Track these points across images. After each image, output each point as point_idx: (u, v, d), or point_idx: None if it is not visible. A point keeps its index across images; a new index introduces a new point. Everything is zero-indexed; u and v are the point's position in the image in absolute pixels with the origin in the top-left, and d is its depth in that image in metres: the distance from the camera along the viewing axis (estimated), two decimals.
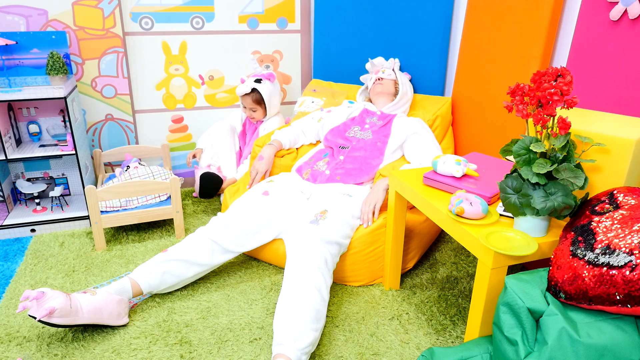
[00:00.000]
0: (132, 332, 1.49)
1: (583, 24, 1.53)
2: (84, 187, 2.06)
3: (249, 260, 1.91)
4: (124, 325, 1.52)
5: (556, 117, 1.09)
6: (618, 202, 1.04)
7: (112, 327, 1.50)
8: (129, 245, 2.02)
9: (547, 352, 0.94)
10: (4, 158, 1.98)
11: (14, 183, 2.28)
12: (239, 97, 2.47)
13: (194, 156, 2.46)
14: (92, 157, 2.41)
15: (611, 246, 0.94)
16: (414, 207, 1.87)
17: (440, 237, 2.12)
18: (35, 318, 1.31)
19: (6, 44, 2.03)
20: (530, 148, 1.11)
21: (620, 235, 0.94)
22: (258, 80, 2.37)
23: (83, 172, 2.10)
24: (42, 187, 2.25)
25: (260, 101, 2.39)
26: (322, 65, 2.56)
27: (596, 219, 1.03)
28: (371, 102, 2.22)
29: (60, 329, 1.49)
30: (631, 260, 0.88)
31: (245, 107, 2.44)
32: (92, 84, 2.32)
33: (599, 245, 0.96)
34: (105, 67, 2.31)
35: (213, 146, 2.43)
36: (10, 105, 2.13)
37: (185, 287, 1.71)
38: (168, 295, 1.67)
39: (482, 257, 1.13)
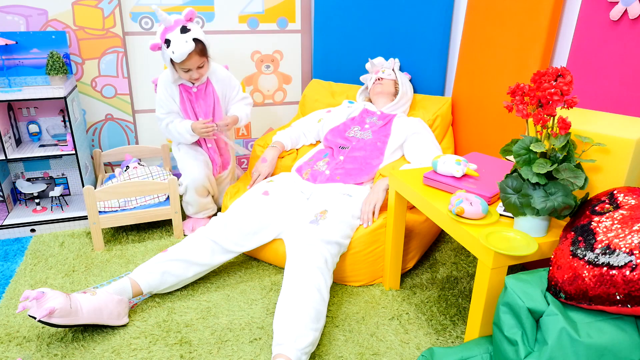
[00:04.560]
0: (132, 332, 1.49)
1: (583, 24, 1.53)
2: (83, 187, 2.06)
3: (249, 260, 1.91)
4: (124, 325, 1.52)
5: (556, 117, 1.09)
6: (618, 202, 1.04)
7: (112, 327, 1.50)
8: (129, 246, 2.02)
9: (547, 352, 0.94)
10: (4, 158, 1.98)
11: (13, 183, 2.28)
12: (173, 65, 1.92)
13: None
14: (92, 157, 2.41)
15: (611, 246, 0.94)
16: (414, 207, 1.87)
17: (440, 237, 2.12)
18: (35, 318, 1.31)
19: (6, 44, 2.03)
20: (530, 148, 1.11)
21: (621, 235, 0.94)
22: (184, 30, 1.83)
23: (83, 172, 2.10)
24: (42, 187, 2.25)
25: (204, 51, 1.91)
26: (322, 65, 2.56)
27: (596, 219, 1.03)
28: (371, 102, 2.22)
29: (60, 329, 1.49)
30: (631, 260, 0.88)
31: (187, 71, 1.91)
32: (92, 84, 2.32)
33: (599, 245, 0.96)
34: (105, 67, 2.31)
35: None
36: (10, 105, 2.13)
37: (185, 287, 1.71)
38: (168, 295, 1.67)
39: (482, 257, 1.13)
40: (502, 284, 1.14)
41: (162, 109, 2.06)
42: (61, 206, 2.24)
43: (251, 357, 1.40)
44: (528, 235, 1.15)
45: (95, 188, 2.21)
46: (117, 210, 2.05)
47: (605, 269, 0.92)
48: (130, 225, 2.19)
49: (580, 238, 1.02)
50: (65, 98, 1.95)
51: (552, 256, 1.06)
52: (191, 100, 2.07)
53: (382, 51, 2.41)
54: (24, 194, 2.29)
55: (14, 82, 2.02)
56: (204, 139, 2.16)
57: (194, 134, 2.04)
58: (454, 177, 1.41)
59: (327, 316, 1.57)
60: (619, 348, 0.90)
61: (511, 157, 1.23)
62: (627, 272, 0.88)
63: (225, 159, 2.27)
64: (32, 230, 2.11)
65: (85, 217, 2.16)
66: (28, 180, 2.31)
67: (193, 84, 2.04)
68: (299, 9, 2.56)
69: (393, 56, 2.39)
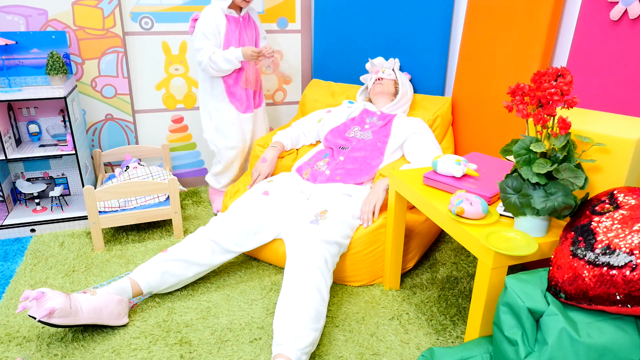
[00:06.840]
0: (132, 332, 1.49)
1: (583, 24, 1.53)
2: (83, 187, 2.06)
3: (249, 260, 1.91)
4: (124, 325, 1.52)
5: (556, 117, 1.09)
6: (618, 202, 1.04)
7: (112, 327, 1.50)
8: (129, 246, 2.02)
9: (547, 352, 0.94)
10: (4, 158, 1.98)
11: (13, 183, 2.28)
12: None
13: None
14: (92, 157, 2.41)
15: (611, 246, 0.94)
16: (414, 207, 1.87)
17: (440, 237, 2.12)
18: (35, 318, 1.31)
19: (6, 44, 2.02)
20: (531, 148, 1.11)
21: (621, 235, 0.94)
22: None
23: (83, 172, 2.10)
24: (42, 187, 2.25)
25: None
26: (322, 65, 2.56)
27: (596, 219, 1.03)
28: (371, 102, 2.22)
29: (60, 329, 1.49)
30: (631, 260, 0.88)
31: None
32: (92, 84, 2.32)
33: (599, 245, 0.96)
34: (105, 67, 2.31)
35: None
36: (10, 105, 2.13)
37: (185, 287, 1.71)
38: (168, 295, 1.67)
39: (482, 257, 1.13)
40: (502, 284, 1.14)
41: (205, 39, 2.07)
42: (61, 206, 2.24)
43: (251, 357, 1.40)
44: (528, 235, 1.15)
45: (95, 188, 2.21)
46: (117, 210, 2.05)
47: (605, 269, 0.92)
48: (130, 225, 2.19)
49: (580, 238, 1.02)
50: (65, 98, 1.95)
51: (552, 256, 1.06)
52: (240, 29, 2.13)
53: (382, 51, 2.41)
54: (24, 194, 2.29)
55: (14, 82, 2.02)
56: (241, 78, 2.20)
57: (242, 58, 2.08)
58: (454, 177, 1.41)
59: (327, 316, 1.57)
60: (619, 348, 0.90)
61: (511, 157, 1.23)
62: (627, 272, 0.88)
63: (259, 97, 2.32)
64: (32, 230, 2.11)
65: (85, 217, 2.16)
66: (28, 180, 2.31)
67: (242, 8, 2.13)
68: (299, 9, 2.57)
69: (393, 56, 2.39)
